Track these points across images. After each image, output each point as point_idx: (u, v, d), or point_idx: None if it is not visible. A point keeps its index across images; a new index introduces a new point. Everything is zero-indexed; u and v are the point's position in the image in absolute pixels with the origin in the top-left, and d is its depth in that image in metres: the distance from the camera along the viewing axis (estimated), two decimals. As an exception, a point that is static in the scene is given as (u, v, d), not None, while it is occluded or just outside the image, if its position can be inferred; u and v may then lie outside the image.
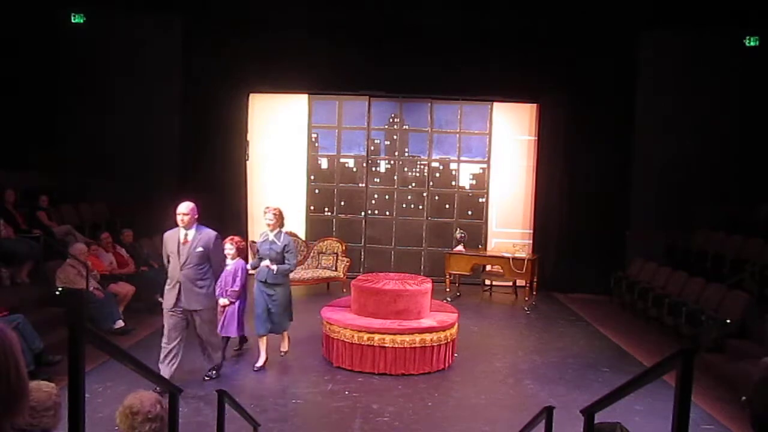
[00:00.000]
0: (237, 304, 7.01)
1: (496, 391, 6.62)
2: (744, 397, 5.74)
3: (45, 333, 6.37)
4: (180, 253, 6.09)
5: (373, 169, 12.21)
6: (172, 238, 6.17)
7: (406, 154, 12.17)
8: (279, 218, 6.87)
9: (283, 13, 10.86)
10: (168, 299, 6.16)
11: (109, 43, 10.84)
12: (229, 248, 7.04)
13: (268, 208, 6.95)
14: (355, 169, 12.23)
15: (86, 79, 10.77)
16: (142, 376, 3.77)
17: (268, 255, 6.78)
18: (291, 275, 7.14)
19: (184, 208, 6.14)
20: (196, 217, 6.15)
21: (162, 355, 6.14)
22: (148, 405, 2.87)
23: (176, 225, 6.11)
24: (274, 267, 6.70)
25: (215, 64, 11.12)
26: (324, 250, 11.06)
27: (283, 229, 6.98)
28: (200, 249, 6.08)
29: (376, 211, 12.22)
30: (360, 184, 12.20)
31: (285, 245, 6.82)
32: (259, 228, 11.74)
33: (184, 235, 6.12)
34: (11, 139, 9.66)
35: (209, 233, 6.18)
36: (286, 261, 6.80)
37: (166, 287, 6.22)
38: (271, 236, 6.85)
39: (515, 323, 9.55)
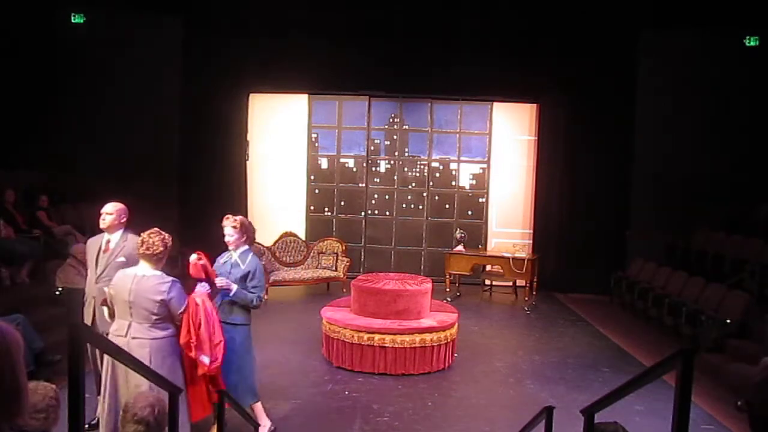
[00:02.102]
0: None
1: (496, 391, 6.62)
2: (739, 402, 5.74)
3: (45, 333, 6.36)
4: (98, 263, 5.07)
5: (373, 169, 12.21)
6: (93, 245, 5.19)
7: (406, 154, 12.17)
8: (242, 231, 5.02)
9: (283, 13, 10.87)
10: (86, 320, 5.06)
11: (109, 43, 10.83)
12: None
13: (228, 217, 5.11)
14: (355, 169, 12.23)
15: (86, 79, 10.77)
16: (141, 376, 3.78)
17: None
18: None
19: (110, 207, 5.15)
20: (123, 221, 5.14)
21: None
22: (138, 407, 2.85)
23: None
24: (234, 286, 4.87)
25: (215, 64, 11.12)
26: (324, 250, 11.06)
27: (250, 248, 5.13)
28: (122, 259, 4.99)
29: (376, 211, 12.22)
30: (360, 184, 12.20)
31: (249, 271, 4.95)
32: (259, 229, 11.78)
33: (106, 241, 5.11)
34: (11, 139, 9.66)
35: (136, 241, 4.84)
36: (250, 292, 4.95)
37: (85, 305, 5.19)
38: (235, 256, 5.04)
39: (515, 323, 9.54)
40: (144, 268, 4.35)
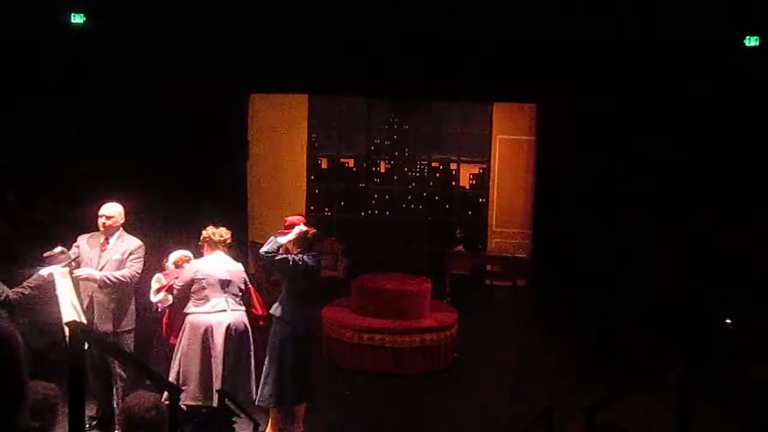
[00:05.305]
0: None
1: (496, 391, 6.62)
2: (740, 402, 5.74)
3: (45, 333, 6.36)
4: (98, 263, 5.05)
5: (373, 169, 12.20)
6: (89, 243, 5.15)
7: (406, 154, 12.17)
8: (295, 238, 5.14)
9: (284, 13, 10.85)
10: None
11: (109, 42, 10.81)
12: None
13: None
14: (355, 169, 12.22)
15: (85, 79, 10.75)
16: (141, 375, 3.77)
17: None
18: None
19: (108, 210, 5.14)
20: (121, 222, 5.20)
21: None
22: (144, 409, 2.85)
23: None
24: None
25: (215, 64, 11.11)
26: (324, 250, 11.04)
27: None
28: (118, 257, 5.09)
29: (376, 211, 12.21)
30: (360, 184, 12.19)
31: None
32: (259, 228, 11.82)
33: (104, 240, 5.14)
34: (11, 139, 9.67)
35: (133, 241, 5.21)
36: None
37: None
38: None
39: (515, 323, 9.54)
40: (221, 254, 5.20)
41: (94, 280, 4.95)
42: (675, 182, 10.83)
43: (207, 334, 4.95)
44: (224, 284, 5.11)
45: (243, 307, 5.23)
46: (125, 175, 10.39)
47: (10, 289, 4.63)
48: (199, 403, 4.97)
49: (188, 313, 5.08)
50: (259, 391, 5.13)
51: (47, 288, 4.67)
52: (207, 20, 11.08)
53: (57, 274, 4.66)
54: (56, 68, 10.61)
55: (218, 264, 5.17)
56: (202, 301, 5.04)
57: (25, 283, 4.64)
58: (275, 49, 10.95)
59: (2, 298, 4.53)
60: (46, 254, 4.81)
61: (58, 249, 4.92)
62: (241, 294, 5.23)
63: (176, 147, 11.37)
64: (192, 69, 11.19)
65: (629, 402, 5.09)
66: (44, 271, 4.66)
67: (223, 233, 5.23)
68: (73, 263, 4.93)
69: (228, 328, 5.00)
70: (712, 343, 7.28)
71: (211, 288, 5.05)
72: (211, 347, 4.94)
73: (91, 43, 10.74)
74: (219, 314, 5.03)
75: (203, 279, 5.06)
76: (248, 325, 5.21)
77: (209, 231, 5.24)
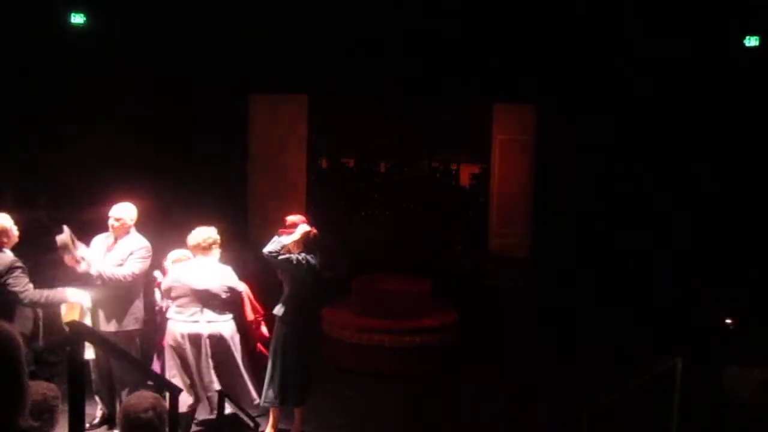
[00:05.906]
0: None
1: (496, 390, 6.62)
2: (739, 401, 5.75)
3: (45, 333, 6.36)
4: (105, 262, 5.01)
5: (373, 169, 12.21)
6: (98, 244, 5.11)
7: (406, 154, 12.17)
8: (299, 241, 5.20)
9: (284, 14, 10.86)
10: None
11: (107, 42, 10.82)
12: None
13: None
14: (355, 169, 12.23)
15: (85, 80, 10.76)
16: (141, 375, 3.78)
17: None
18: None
19: (118, 211, 5.02)
20: (132, 223, 5.10)
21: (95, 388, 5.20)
22: (141, 410, 2.84)
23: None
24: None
25: (215, 64, 11.12)
26: (324, 250, 11.03)
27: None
28: (122, 255, 5.01)
29: (376, 211, 12.21)
30: (360, 184, 12.20)
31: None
32: (260, 228, 11.82)
33: (113, 241, 5.08)
34: (11, 139, 9.68)
35: (138, 242, 5.07)
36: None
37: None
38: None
39: (515, 323, 9.54)
40: (204, 260, 4.91)
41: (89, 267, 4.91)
42: (674, 182, 10.84)
43: (180, 344, 4.83)
44: (200, 294, 4.86)
45: (226, 316, 4.95)
46: (125, 174, 10.40)
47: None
48: (182, 410, 4.90)
49: (169, 318, 4.98)
50: (263, 392, 5.09)
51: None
52: (207, 20, 11.09)
53: (85, 301, 4.68)
54: (56, 68, 10.61)
55: (197, 272, 4.90)
56: (181, 309, 4.90)
57: (47, 294, 4.69)
58: (275, 49, 10.96)
59: (24, 292, 4.54)
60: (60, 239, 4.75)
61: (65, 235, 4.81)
62: (222, 303, 4.92)
63: (176, 147, 11.39)
64: (192, 69, 11.21)
65: (629, 402, 5.11)
66: (72, 295, 4.67)
67: (197, 237, 4.91)
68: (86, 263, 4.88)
69: (199, 339, 4.82)
70: (712, 343, 7.27)
71: (186, 297, 4.88)
72: (186, 357, 4.81)
73: (91, 43, 10.75)
74: (193, 325, 4.86)
75: (179, 287, 4.91)
76: (225, 335, 4.92)
77: (191, 235, 4.96)
